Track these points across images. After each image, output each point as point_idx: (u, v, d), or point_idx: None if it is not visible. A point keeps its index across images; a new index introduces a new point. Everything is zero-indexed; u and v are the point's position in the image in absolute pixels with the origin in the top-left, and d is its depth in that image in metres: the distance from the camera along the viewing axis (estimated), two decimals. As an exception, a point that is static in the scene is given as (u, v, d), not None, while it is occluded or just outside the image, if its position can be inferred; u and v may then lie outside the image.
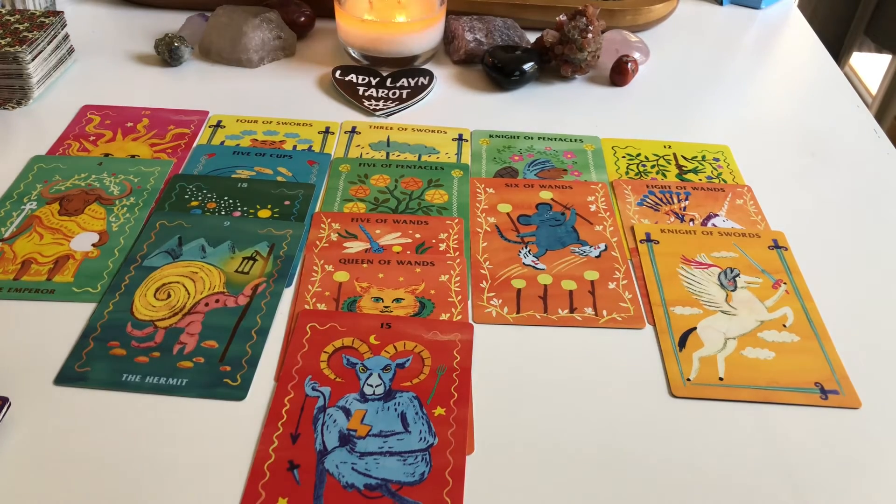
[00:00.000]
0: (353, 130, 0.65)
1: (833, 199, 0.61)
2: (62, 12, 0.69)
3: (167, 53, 0.72)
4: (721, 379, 0.45)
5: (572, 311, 0.49)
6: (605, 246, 0.54)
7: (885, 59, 1.58)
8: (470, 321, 0.48)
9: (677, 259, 0.53)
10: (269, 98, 0.69)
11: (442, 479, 0.38)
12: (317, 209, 0.56)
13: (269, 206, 0.56)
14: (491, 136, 0.66)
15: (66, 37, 0.71)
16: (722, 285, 0.51)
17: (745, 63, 0.81)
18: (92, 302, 0.48)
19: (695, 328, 0.48)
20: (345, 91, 0.70)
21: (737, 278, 0.52)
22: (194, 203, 0.56)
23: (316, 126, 0.66)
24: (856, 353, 0.47)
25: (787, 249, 0.54)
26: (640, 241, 0.54)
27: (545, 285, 0.51)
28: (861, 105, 0.74)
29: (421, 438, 0.40)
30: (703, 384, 0.44)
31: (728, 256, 0.53)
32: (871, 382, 0.45)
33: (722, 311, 0.49)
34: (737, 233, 0.56)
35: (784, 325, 0.48)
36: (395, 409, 0.42)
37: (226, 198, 0.56)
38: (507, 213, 0.57)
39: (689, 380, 0.45)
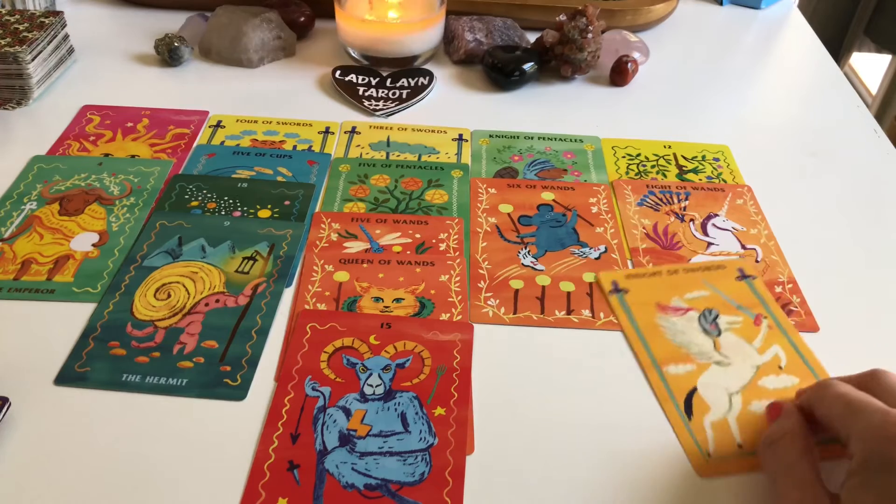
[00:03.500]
0: (353, 130, 0.65)
1: (833, 199, 0.61)
2: (62, 12, 0.69)
3: (167, 53, 0.72)
4: (740, 446, 0.41)
5: (569, 312, 0.49)
6: (605, 248, 0.54)
7: (885, 59, 1.58)
8: (467, 321, 0.48)
9: (652, 308, 0.49)
10: (269, 98, 0.69)
11: (442, 479, 0.38)
12: (317, 209, 0.56)
13: (269, 206, 0.56)
14: (491, 136, 0.66)
15: (66, 37, 0.71)
16: (705, 331, 0.48)
17: (745, 63, 0.81)
18: (92, 302, 0.48)
19: (695, 388, 0.44)
20: (345, 91, 0.70)
21: (717, 320, 0.48)
22: (194, 203, 0.56)
23: (316, 126, 0.66)
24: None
25: (754, 278, 0.51)
26: (610, 293, 0.50)
27: (543, 286, 0.51)
28: (861, 105, 0.74)
29: (421, 438, 0.40)
30: (724, 456, 0.41)
31: (701, 296, 0.50)
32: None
33: (715, 363, 0.46)
34: (702, 267, 0.52)
35: (780, 368, 0.46)
36: (395, 409, 0.42)
37: (226, 198, 0.56)
38: (508, 214, 0.57)
39: (709, 455, 0.41)
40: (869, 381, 0.37)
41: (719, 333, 0.48)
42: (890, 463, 0.31)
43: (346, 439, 0.40)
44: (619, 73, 0.73)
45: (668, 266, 0.52)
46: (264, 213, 0.55)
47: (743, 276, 0.51)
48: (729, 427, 0.42)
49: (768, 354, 0.46)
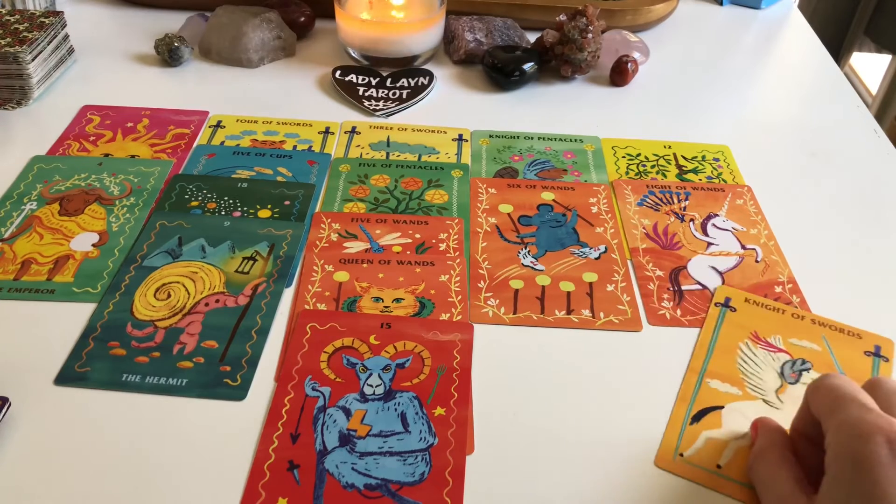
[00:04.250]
0: (353, 130, 0.65)
1: (833, 199, 0.61)
2: (62, 12, 0.69)
3: (167, 53, 0.72)
4: (719, 466, 0.40)
5: (569, 312, 0.49)
6: (605, 248, 0.54)
7: (885, 59, 1.58)
8: (467, 321, 0.48)
9: (746, 333, 0.46)
10: (269, 98, 0.69)
11: (442, 479, 0.38)
12: (317, 209, 0.56)
13: (269, 206, 0.56)
14: (491, 136, 0.66)
15: (66, 37, 0.71)
16: (782, 374, 0.44)
17: (745, 63, 0.81)
18: (92, 302, 0.48)
19: (720, 407, 0.42)
20: (345, 91, 0.70)
21: (804, 372, 0.44)
22: (194, 203, 0.56)
23: (316, 126, 0.66)
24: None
25: (886, 360, 0.45)
26: (716, 304, 0.47)
27: (543, 286, 0.51)
28: (861, 105, 0.74)
29: (421, 438, 0.40)
30: (696, 465, 0.39)
31: (808, 348, 0.45)
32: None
33: (764, 401, 0.42)
34: (833, 325, 0.47)
35: None
36: (395, 409, 0.42)
37: (226, 198, 0.56)
38: (508, 214, 0.57)
39: (681, 455, 0.40)
40: (868, 389, 0.36)
41: (795, 383, 0.44)
42: (859, 461, 0.31)
43: (346, 439, 0.40)
44: (619, 73, 0.73)
45: (796, 309, 0.49)
46: (264, 213, 0.55)
47: (875, 354, 0.45)
48: (723, 448, 0.40)
49: None
